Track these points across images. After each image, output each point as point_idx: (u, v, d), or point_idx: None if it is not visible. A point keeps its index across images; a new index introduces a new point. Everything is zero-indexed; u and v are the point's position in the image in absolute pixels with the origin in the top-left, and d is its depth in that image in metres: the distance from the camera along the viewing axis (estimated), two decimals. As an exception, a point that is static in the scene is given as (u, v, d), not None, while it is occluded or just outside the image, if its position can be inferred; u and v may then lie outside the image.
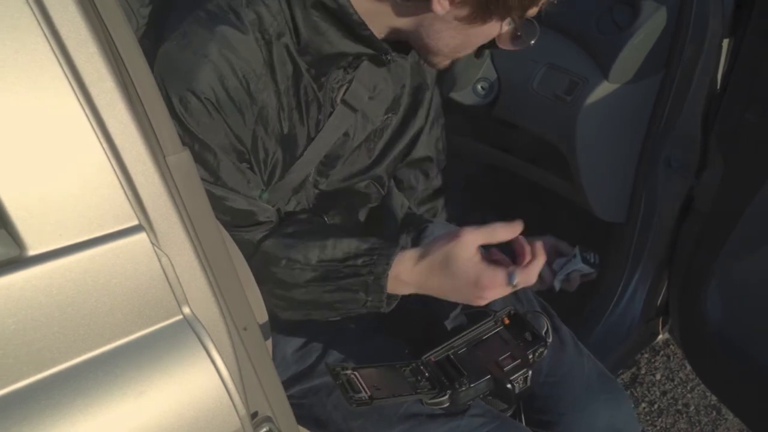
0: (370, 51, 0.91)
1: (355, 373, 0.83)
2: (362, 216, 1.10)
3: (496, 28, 0.89)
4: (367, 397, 0.80)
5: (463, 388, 0.86)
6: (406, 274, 0.88)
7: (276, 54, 0.86)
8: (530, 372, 0.89)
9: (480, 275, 0.86)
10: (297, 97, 0.91)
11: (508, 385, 0.87)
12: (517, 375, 0.88)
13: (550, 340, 0.93)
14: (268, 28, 0.85)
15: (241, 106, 0.84)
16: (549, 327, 0.94)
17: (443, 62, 0.96)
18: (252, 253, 0.92)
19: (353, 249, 0.89)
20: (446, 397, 0.86)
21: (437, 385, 0.87)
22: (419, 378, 0.87)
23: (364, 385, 0.82)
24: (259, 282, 0.87)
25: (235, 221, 0.91)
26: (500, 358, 0.89)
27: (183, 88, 0.81)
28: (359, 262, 0.88)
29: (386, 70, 1.00)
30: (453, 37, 0.89)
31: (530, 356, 0.90)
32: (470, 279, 0.86)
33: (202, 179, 0.85)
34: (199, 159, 0.85)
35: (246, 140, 0.88)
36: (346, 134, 0.99)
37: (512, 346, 0.91)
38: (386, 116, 1.04)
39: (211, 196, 0.85)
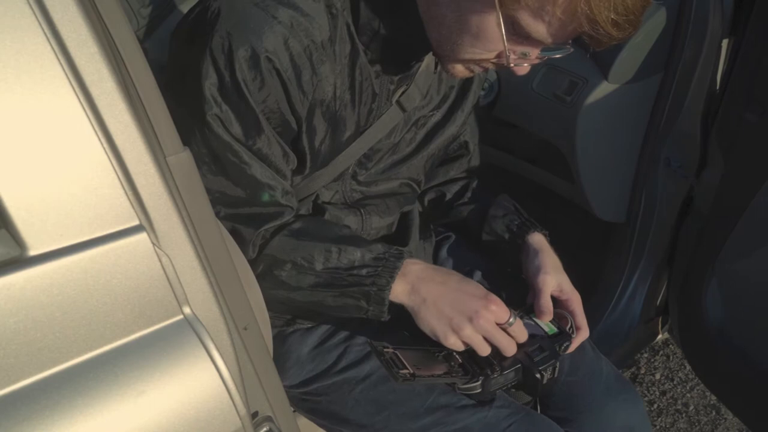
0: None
1: (396, 352, 0.87)
2: (395, 217, 1.11)
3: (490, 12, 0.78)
4: (409, 375, 0.84)
5: (495, 375, 0.89)
6: (411, 268, 0.90)
7: (339, 29, 0.86)
8: (558, 364, 0.92)
9: (490, 293, 0.88)
10: (352, 77, 0.90)
11: (537, 375, 0.90)
12: (546, 365, 0.90)
13: (574, 335, 0.97)
14: (335, 3, 0.85)
15: (301, 74, 0.83)
16: (572, 324, 0.98)
17: (454, 65, 0.89)
18: (257, 254, 0.92)
19: (358, 259, 0.90)
20: (479, 383, 0.89)
21: (470, 371, 0.89)
22: (452, 363, 0.90)
23: (406, 363, 0.86)
24: (261, 280, 0.87)
25: (249, 197, 0.88)
26: (530, 350, 0.91)
27: (247, 43, 0.80)
28: (363, 272, 0.89)
29: (440, 73, 1.01)
30: (446, 13, 0.82)
31: (557, 348, 0.94)
32: (480, 291, 0.89)
33: (236, 139, 0.84)
34: (240, 117, 0.83)
35: (300, 111, 0.86)
36: (390, 130, 1.00)
37: (540, 338, 0.94)
38: (431, 113, 1.05)
39: (233, 161, 0.85)
